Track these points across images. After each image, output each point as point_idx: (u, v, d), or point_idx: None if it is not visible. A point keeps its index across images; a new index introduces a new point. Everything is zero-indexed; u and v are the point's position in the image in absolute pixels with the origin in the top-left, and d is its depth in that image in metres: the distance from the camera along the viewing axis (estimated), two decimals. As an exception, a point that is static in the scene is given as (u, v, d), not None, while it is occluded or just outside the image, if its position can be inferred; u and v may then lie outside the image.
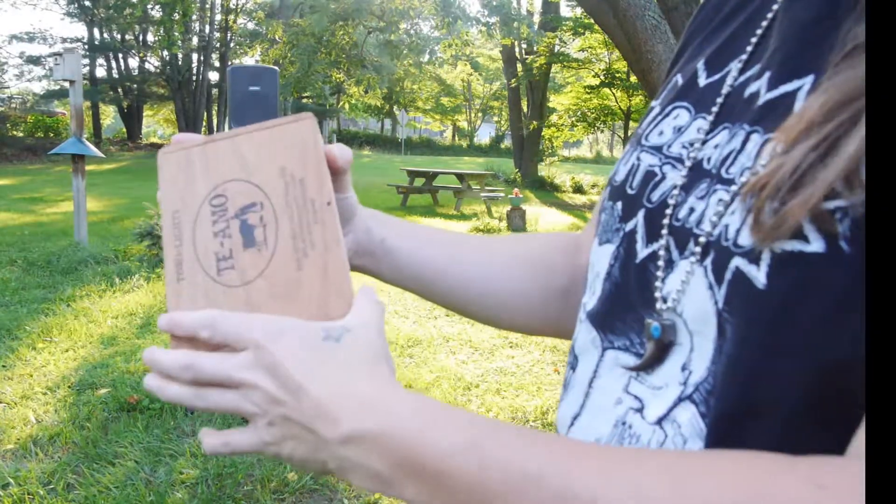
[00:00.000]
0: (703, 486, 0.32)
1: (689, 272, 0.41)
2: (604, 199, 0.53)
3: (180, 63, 26.03)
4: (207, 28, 26.06)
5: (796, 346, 0.34)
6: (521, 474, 0.35)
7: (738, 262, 0.37)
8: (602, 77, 17.65)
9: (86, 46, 27.71)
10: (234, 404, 0.42)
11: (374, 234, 0.61)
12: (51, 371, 3.56)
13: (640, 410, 0.43)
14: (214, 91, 27.65)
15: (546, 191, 16.62)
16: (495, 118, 42.99)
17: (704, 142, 0.44)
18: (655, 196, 0.46)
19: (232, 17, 26.33)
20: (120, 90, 29.41)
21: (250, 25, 28.72)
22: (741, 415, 0.37)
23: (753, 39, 0.46)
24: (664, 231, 0.44)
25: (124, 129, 31.04)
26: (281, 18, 22.95)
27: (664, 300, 0.43)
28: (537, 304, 0.65)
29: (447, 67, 35.22)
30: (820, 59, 0.38)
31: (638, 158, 0.50)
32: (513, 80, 18.38)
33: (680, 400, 0.40)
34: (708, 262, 0.39)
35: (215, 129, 28.47)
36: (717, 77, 0.47)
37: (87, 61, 27.66)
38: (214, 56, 26.90)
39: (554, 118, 18.78)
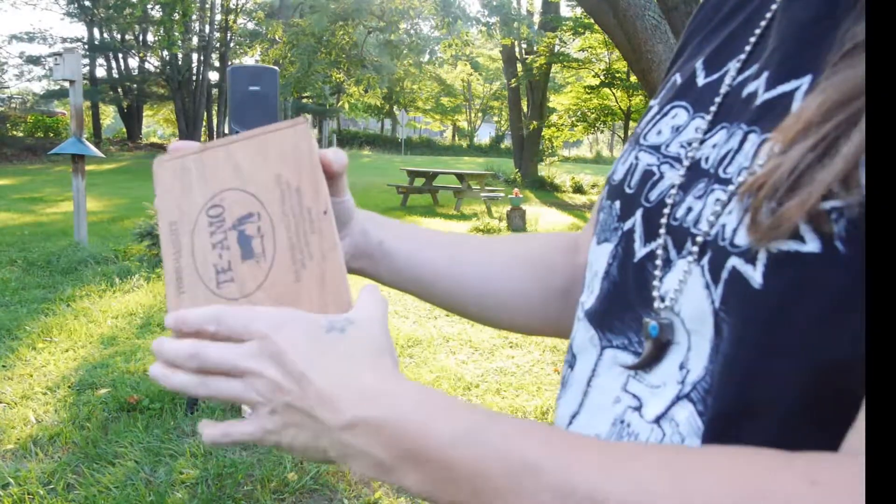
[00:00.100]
0: (701, 481, 0.32)
1: (686, 271, 0.41)
2: (602, 199, 0.54)
3: (180, 63, 26.03)
4: (207, 28, 26.06)
5: (792, 346, 0.34)
6: (520, 465, 0.35)
7: (734, 261, 0.37)
8: (602, 77, 17.65)
9: (86, 46, 27.71)
10: (238, 392, 0.43)
11: (371, 236, 0.61)
12: (51, 371, 3.56)
13: (638, 409, 0.43)
14: (214, 91, 27.64)
15: (546, 191, 16.63)
16: (495, 118, 43.00)
17: (702, 141, 0.45)
18: (653, 195, 0.46)
19: (232, 17, 26.32)
20: (120, 90, 29.42)
21: (250, 25, 28.72)
22: (738, 414, 0.37)
23: (752, 39, 0.46)
24: (662, 230, 0.44)
25: (124, 129, 31.04)
26: (281, 18, 22.95)
27: (662, 299, 0.43)
28: (537, 304, 0.65)
29: (447, 67, 35.22)
30: (818, 59, 0.38)
31: (636, 158, 0.50)
32: (513, 80, 18.38)
33: (678, 399, 0.41)
34: (705, 261, 0.40)
35: (215, 129, 28.46)
36: (715, 77, 0.47)
37: (87, 61, 27.67)
38: (214, 56, 26.89)
39: (554, 118, 18.79)
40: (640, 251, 0.46)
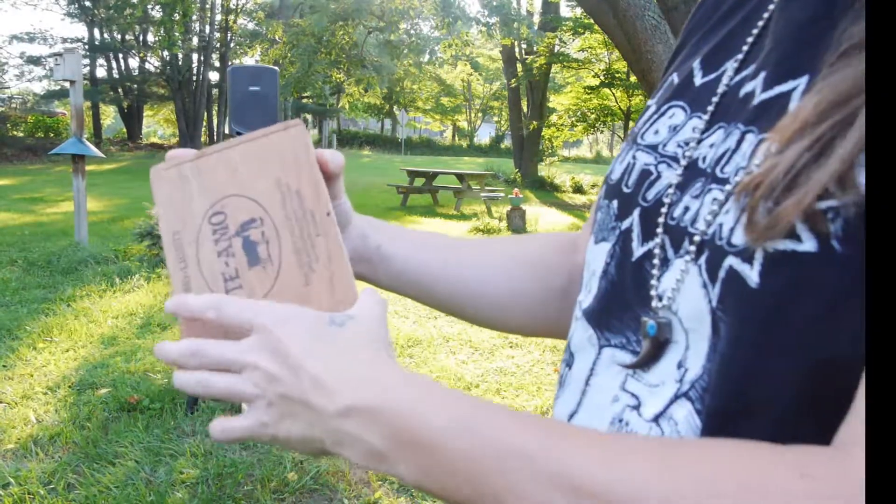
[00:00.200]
0: (691, 472, 0.32)
1: (683, 271, 0.41)
2: (600, 198, 0.54)
3: (180, 63, 26.03)
4: (207, 28, 26.06)
5: (789, 345, 0.34)
6: (511, 452, 0.35)
7: (731, 261, 0.37)
8: (602, 77, 17.65)
9: (86, 46, 27.71)
10: (236, 387, 0.43)
11: (369, 240, 0.61)
12: (51, 371, 3.56)
13: (636, 408, 0.44)
14: (214, 91, 27.63)
15: (546, 191, 16.62)
16: (495, 118, 42.98)
17: (700, 141, 0.45)
18: (651, 195, 0.46)
19: (232, 17, 26.32)
20: (120, 90, 29.42)
21: (250, 26, 28.71)
22: (735, 412, 0.37)
23: (749, 39, 0.46)
24: (659, 230, 0.44)
25: (124, 129, 31.05)
26: (281, 18, 22.95)
27: (659, 298, 0.43)
28: (536, 305, 0.65)
29: (447, 67, 35.21)
30: (815, 59, 0.38)
31: (634, 157, 0.50)
32: (513, 80, 18.37)
33: (676, 397, 0.41)
34: (702, 260, 0.40)
35: (215, 129, 28.46)
36: (712, 76, 0.47)
37: (87, 61, 27.67)
38: (214, 56, 26.88)
39: (554, 118, 18.78)
40: (638, 250, 0.46)
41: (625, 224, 0.48)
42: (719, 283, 0.38)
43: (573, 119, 18.49)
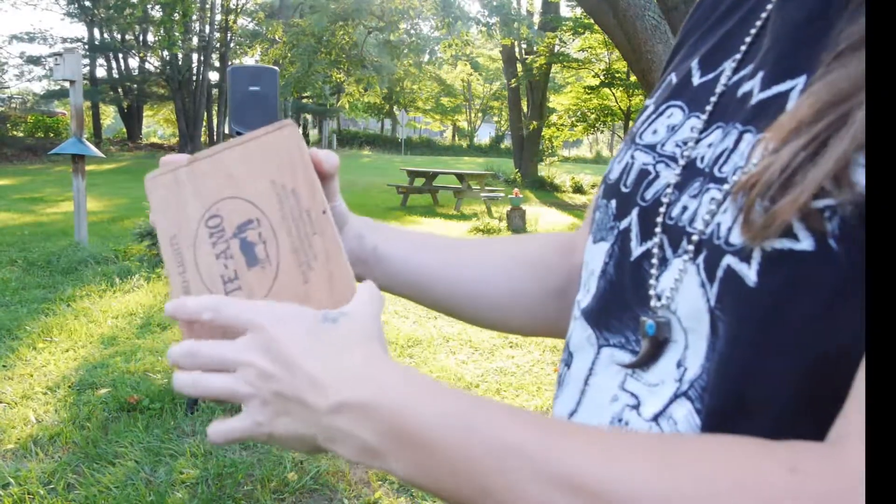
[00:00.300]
0: (684, 469, 0.32)
1: (682, 270, 0.41)
2: (598, 198, 0.54)
3: (180, 63, 26.01)
4: (207, 28, 26.05)
5: (786, 344, 0.34)
6: (512, 450, 0.35)
7: (729, 260, 0.37)
8: (602, 77, 17.65)
9: (86, 46, 27.72)
10: (230, 386, 0.43)
11: (366, 241, 0.61)
12: (51, 371, 3.56)
13: (636, 407, 0.44)
14: (214, 91, 27.62)
15: (546, 191, 16.62)
16: (495, 118, 42.98)
17: (698, 141, 0.45)
18: (649, 194, 0.47)
19: (232, 17, 26.31)
20: (120, 90, 29.42)
21: (250, 26, 28.71)
22: (733, 411, 0.37)
23: (747, 39, 0.46)
24: (658, 229, 0.44)
25: (124, 129, 31.05)
26: (281, 18, 22.95)
27: (658, 298, 0.43)
28: (535, 305, 0.65)
29: (447, 67, 35.21)
30: (813, 59, 0.39)
31: (632, 157, 0.50)
32: (513, 80, 18.37)
33: (676, 397, 0.41)
34: (700, 260, 0.40)
35: (215, 129, 28.45)
36: (710, 76, 0.47)
37: (87, 61, 27.68)
38: (214, 56, 26.87)
39: (554, 118, 18.78)
40: (637, 250, 0.46)
41: (623, 224, 0.48)
42: (717, 282, 0.38)
43: (573, 119, 18.49)
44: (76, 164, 6.46)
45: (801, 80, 0.39)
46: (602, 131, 25.34)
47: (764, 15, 0.46)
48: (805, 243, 0.34)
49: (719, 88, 0.45)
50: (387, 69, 25.16)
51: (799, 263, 0.34)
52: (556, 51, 17.72)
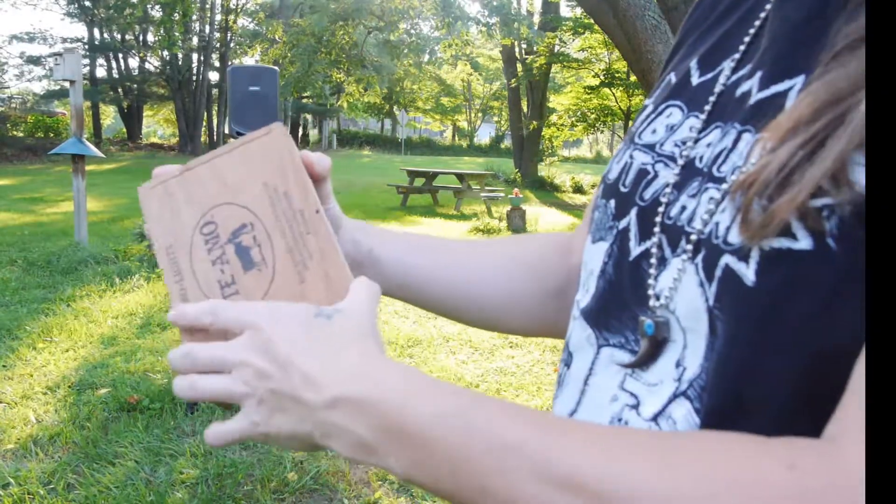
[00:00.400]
0: (682, 467, 0.32)
1: (680, 270, 0.41)
2: (597, 197, 0.54)
3: (180, 63, 26.03)
4: (207, 28, 26.06)
5: (784, 343, 0.34)
6: (501, 444, 0.35)
7: (727, 259, 0.37)
8: (602, 77, 17.65)
9: (86, 46, 27.73)
10: (226, 387, 0.44)
11: (361, 245, 0.61)
12: (51, 371, 3.56)
13: (635, 407, 0.44)
14: (214, 91, 27.63)
15: (546, 191, 16.62)
16: (495, 118, 42.97)
17: (697, 140, 0.45)
18: (648, 194, 0.47)
19: (232, 17, 26.31)
20: (120, 90, 29.44)
21: (250, 26, 28.70)
22: (732, 411, 0.37)
23: (746, 39, 0.46)
24: (656, 229, 0.44)
25: (124, 129, 31.06)
26: (281, 18, 22.94)
27: (657, 297, 0.43)
28: (534, 306, 0.65)
29: (447, 67, 35.23)
30: (811, 58, 0.39)
31: (631, 156, 0.50)
32: (513, 80, 18.37)
33: (675, 396, 0.41)
34: (699, 259, 0.40)
35: (215, 129, 28.45)
36: (709, 76, 0.47)
37: (87, 61, 27.68)
38: (214, 56, 26.88)
39: (554, 118, 18.78)
40: (636, 250, 0.46)
41: (622, 223, 0.48)
42: (716, 281, 0.38)
43: (573, 119, 18.49)
44: (76, 164, 6.46)
45: (799, 80, 0.39)
46: (602, 131, 25.34)
47: (763, 15, 0.46)
48: (803, 242, 0.34)
49: (718, 88, 0.46)
50: (387, 69, 25.16)
51: (797, 263, 0.34)
52: (556, 51, 17.72)
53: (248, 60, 27.61)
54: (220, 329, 0.45)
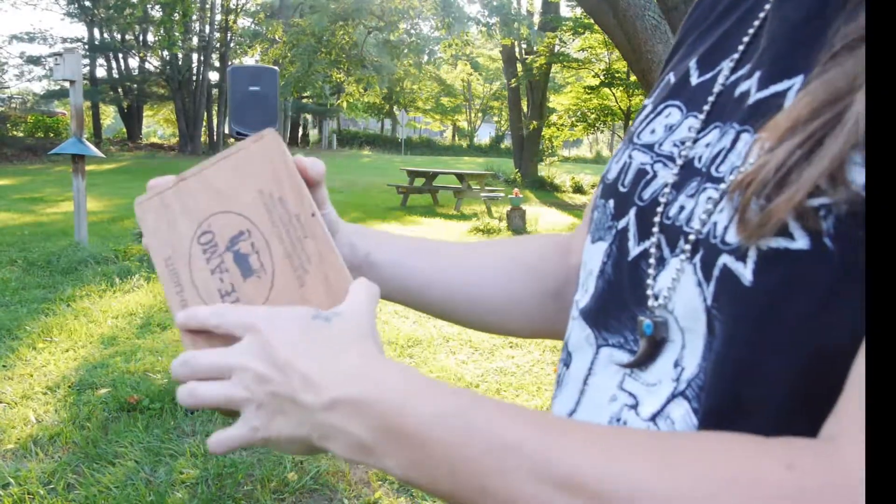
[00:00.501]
0: (682, 467, 0.32)
1: (679, 270, 0.41)
2: (596, 197, 0.54)
3: (180, 63, 26.03)
4: (207, 28, 26.05)
5: (782, 342, 0.34)
6: (505, 447, 0.35)
7: (725, 259, 0.37)
8: (602, 77, 17.64)
9: (86, 46, 27.74)
10: (225, 392, 0.44)
11: (358, 249, 0.61)
12: (51, 371, 3.56)
13: (634, 407, 0.44)
14: (214, 91, 27.63)
15: (546, 191, 16.63)
16: (495, 118, 42.97)
17: (695, 140, 0.45)
18: (647, 194, 0.47)
19: (232, 17, 26.31)
20: (120, 90, 29.44)
21: (251, 26, 28.70)
22: (730, 411, 0.37)
23: (745, 39, 0.46)
24: (655, 229, 0.44)
25: (124, 129, 31.06)
26: (281, 18, 22.94)
27: (656, 297, 0.43)
28: (534, 307, 0.65)
29: (447, 67, 35.24)
30: (809, 58, 0.39)
31: (630, 156, 0.50)
32: (513, 80, 18.37)
33: (673, 396, 0.41)
34: (697, 259, 0.40)
35: (215, 129, 28.45)
36: (708, 76, 0.47)
37: (87, 61, 27.70)
38: (214, 56, 26.88)
39: (554, 118, 18.78)
40: (634, 250, 0.46)
41: (621, 223, 0.48)
42: (714, 281, 0.38)
43: (573, 119, 18.49)
44: (76, 164, 6.46)
45: (798, 80, 0.39)
46: (602, 131, 25.34)
47: (762, 15, 0.46)
48: (800, 242, 0.34)
49: (717, 88, 0.46)
50: (387, 69, 25.15)
51: (794, 262, 0.34)
52: (556, 51, 17.71)
53: (248, 60, 27.60)
54: (224, 333, 0.45)
